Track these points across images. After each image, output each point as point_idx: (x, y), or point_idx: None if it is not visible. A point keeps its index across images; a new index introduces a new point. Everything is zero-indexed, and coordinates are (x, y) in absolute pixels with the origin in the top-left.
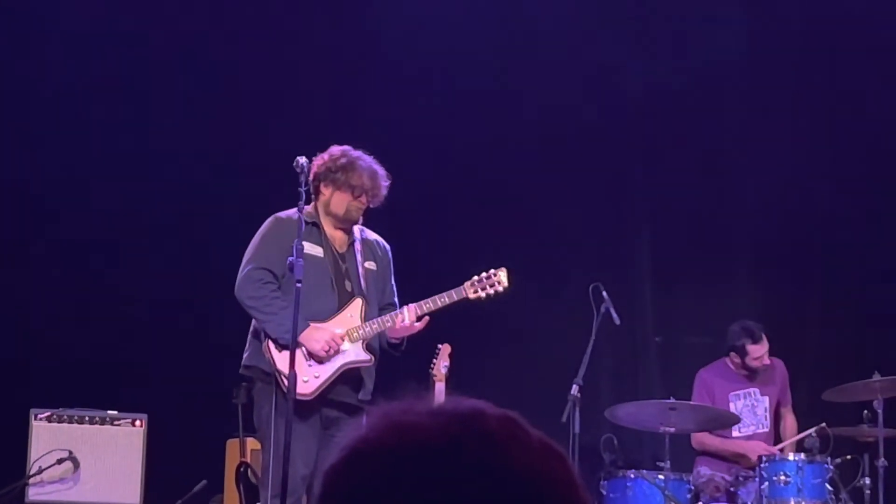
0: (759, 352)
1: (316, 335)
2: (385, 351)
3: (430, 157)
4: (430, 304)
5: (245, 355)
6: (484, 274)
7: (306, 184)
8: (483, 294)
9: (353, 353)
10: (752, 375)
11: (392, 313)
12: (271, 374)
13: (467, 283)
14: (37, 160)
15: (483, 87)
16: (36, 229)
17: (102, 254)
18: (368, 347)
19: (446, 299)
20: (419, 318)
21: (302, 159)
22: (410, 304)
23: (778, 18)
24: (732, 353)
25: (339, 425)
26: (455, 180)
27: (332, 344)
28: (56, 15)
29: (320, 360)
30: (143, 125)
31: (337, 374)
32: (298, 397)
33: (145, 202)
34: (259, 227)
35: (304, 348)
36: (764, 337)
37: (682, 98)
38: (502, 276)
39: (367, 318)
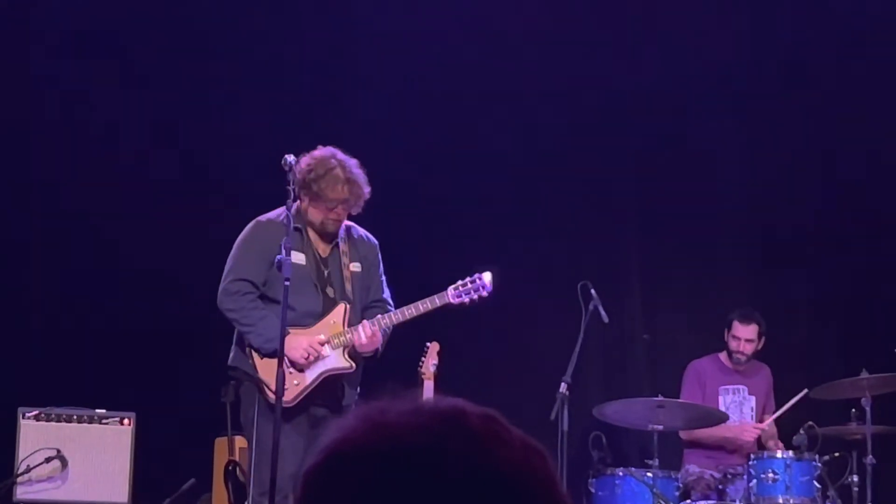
0: (740, 332)
1: (293, 343)
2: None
3: (418, 155)
4: (408, 312)
5: (231, 356)
6: (468, 278)
7: (294, 182)
8: (467, 300)
9: (334, 360)
10: (736, 366)
11: (351, 331)
12: (254, 378)
13: (451, 288)
14: (31, 160)
15: (472, 88)
16: (25, 229)
17: (91, 253)
18: (350, 355)
19: (428, 305)
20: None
21: (290, 157)
22: (361, 323)
23: (767, 22)
24: (725, 331)
25: (326, 424)
26: (443, 178)
27: (311, 351)
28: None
29: (300, 368)
30: (140, 125)
31: (317, 382)
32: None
33: (134, 202)
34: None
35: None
36: (754, 325)
37: (670, 97)
38: (486, 279)
39: (351, 322)
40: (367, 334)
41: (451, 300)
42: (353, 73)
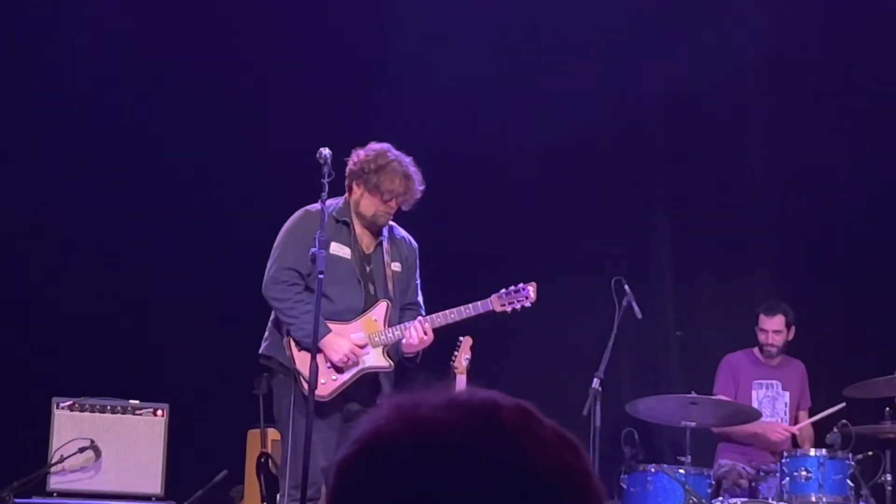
0: (767, 325)
1: (335, 345)
2: (401, 361)
3: (453, 150)
4: (451, 316)
5: (264, 344)
6: (513, 287)
7: (329, 175)
8: (509, 308)
9: (373, 358)
10: (769, 360)
11: (403, 326)
12: (290, 368)
13: (494, 297)
14: (61, 152)
15: (506, 87)
16: (59, 220)
17: (126, 244)
18: (389, 354)
19: (471, 311)
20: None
21: (325, 150)
22: (417, 321)
23: (798, 19)
24: (756, 327)
25: (359, 419)
26: (476, 175)
27: (350, 356)
28: (80, 11)
29: (339, 369)
30: (170, 122)
31: (355, 378)
32: (315, 398)
33: (170, 193)
34: (282, 218)
35: (323, 354)
36: (780, 315)
37: (703, 94)
38: (531, 291)
39: (391, 321)
40: (420, 336)
41: (495, 307)
42: (383, 71)
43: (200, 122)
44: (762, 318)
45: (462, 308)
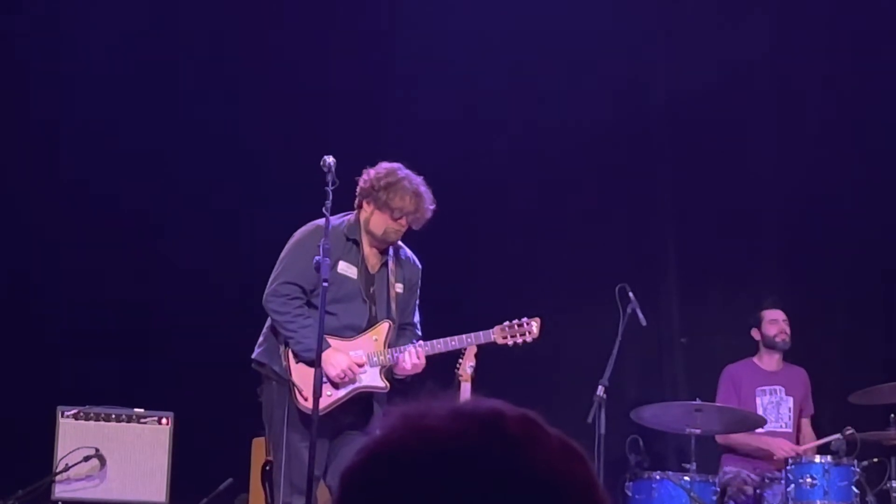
0: (776, 315)
1: (333, 360)
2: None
3: (457, 159)
4: (451, 343)
5: (258, 350)
6: (516, 321)
7: (333, 183)
8: (511, 342)
9: (370, 378)
10: (782, 349)
11: (401, 349)
12: (285, 379)
13: (497, 328)
14: (69, 156)
15: (509, 91)
16: (65, 227)
17: (130, 252)
18: (387, 375)
19: (472, 340)
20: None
21: (329, 158)
22: (414, 346)
23: (804, 16)
24: (754, 331)
25: (351, 430)
26: (479, 179)
27: (347, 373)
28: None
29: (335, 385)
30: (174, 126)
31: (349, 396)
32: (308, 411)
33: (176, 199)
34: (288, 225)
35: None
36: (780, 307)
37: (708, 98)
38: (535, 326)
39: (391, 343)
40: (414, 361)
41: (497, 339)
42: (383, 78)
43: (202, 124)
44: (769, 312)
45: (463, 336)
